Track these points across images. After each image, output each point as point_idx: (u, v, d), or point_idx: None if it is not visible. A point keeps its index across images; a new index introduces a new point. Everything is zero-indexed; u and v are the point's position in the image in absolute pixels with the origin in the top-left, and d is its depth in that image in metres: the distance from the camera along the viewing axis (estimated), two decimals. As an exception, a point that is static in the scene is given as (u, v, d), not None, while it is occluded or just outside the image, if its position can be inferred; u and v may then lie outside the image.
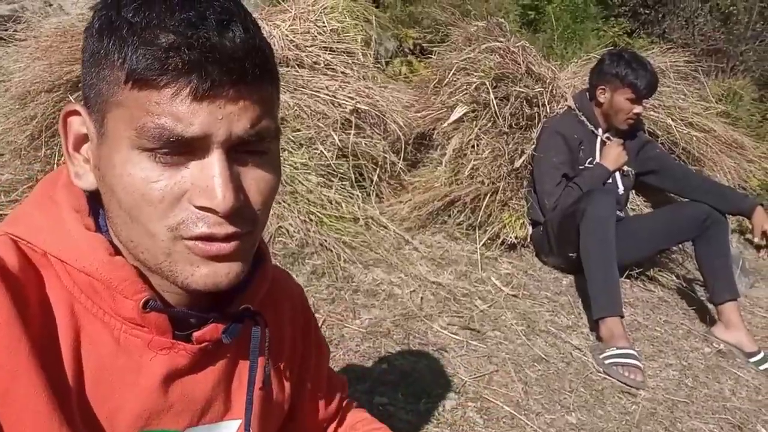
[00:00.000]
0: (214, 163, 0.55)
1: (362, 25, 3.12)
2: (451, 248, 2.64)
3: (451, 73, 2.87)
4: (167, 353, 0.63)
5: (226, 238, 0.57)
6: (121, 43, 0.53)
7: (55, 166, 2.23)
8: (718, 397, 2.07)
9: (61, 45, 2.27)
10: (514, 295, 2.42)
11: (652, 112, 2.96)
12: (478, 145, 2.69)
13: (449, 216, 2.72)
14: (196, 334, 0.64)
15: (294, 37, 2.69)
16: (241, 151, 0.57)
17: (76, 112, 0.60)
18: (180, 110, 0.53)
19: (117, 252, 0.61)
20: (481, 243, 2.62)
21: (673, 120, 2.90)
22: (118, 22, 0.54)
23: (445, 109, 2.84)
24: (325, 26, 2.74)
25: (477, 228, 2.65)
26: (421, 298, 2.26)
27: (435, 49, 3.27)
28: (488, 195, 2.63)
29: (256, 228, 0.61)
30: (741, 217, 2.88)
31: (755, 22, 7.23)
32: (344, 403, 0.98)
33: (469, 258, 2.58)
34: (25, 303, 0.54)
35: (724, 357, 2.31)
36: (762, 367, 2.30)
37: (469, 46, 2.97)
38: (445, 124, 2.78)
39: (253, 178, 0.59)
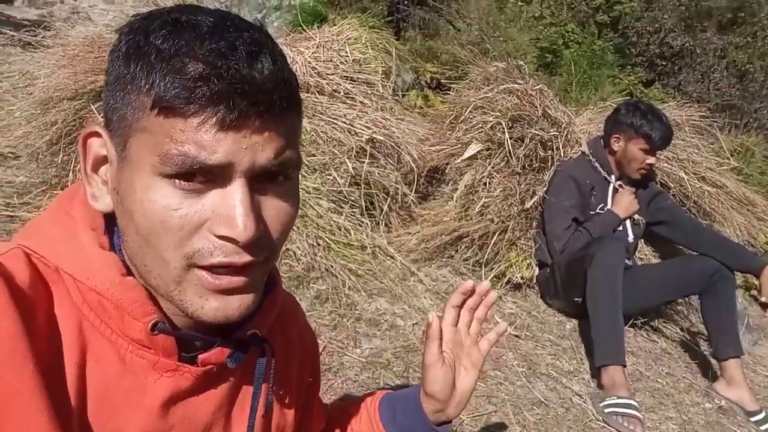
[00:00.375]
0: (237, 192, 0.55)
1: (382, 57, 3.17)
2: (456, 283, 2.63)
3: (468, 111, 2.90)
4: (172, 375, 0.62)
5: (242, 268, 0.57)
6: (149, 70, 0.53)
7: (71, 173, 2.25)
8: (718, 456, 2.04)
9: (88, 55, 2.31)
10: (516, 336, 2.40)
11: (665, 164, 2.98)
12: (490, 183, 2.70)
13: (456, 251, 2.71)
14: (201, 357, 0.64)
15: (316, 64, 2.73)
16: (262, 181, 0.57)
17: (96, 134, 0.60)
18: (205, 139, 0.53)
19: (129, 273, 0.61)
20: (487, 280, 2.61)
21: (686, 173, 2.91)
22: (147, 47, 0.54)
23: (460, 146, 2.86)
24: (348, 56, 2.78)
25: (483, 265, 2.65)
26: (423, 331, 2.25)
27: (453, 85, 3.30)
28: (497, 233, 2.63)
29: (272, 256, 0.61)
30: (746, 273, 2.86)
31: (770, 80, 7.30)
32: None
33: (473, 295, 2.57)
34: (32, 319, 0.54)
35: (724, 414, 2.28)
36: (763, 428, 2.26)
37: (488, 85, 3.01)
38: (459, 160, 2.79)
39: (273, 208, 0.59)
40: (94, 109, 2.26)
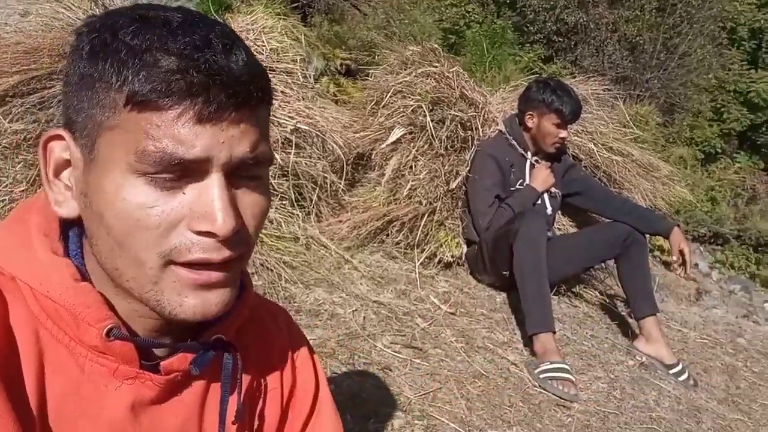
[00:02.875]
0: (214, 186, 0.55)
1: (291, 43, 3.14)
2: (390, 267, 2.69)
3: (388, 96, 2.94)
4: (133, 383, 0.61)
5: (221, 264, 0.56)
6: (120, 66, 0.52)
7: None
8: (644, 408, 2.21)
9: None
10: (452, 313, 2.49)
11: (575, 137, 3.14)
12: (415, 166, 2.76)
13: (387, 235, 2.76)
14: (163, 364, 0.62)
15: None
16: (237, 176, 0.57)
17: (58, 137, 0.58)
18: (182, 133, 0.52)
19: (84, 278, 0.60)
20: (419, 262, 2.68)
21: (594, 144, 3.09)
22: (115, 44, 0.53)
23: (383, 131, 2.90)
24: (265, 45, 2.74)
25: (415, 247, 2.71)
26: (364, 317, 2.29)
27: (370, 70, 3.33)
28: (425, 215, 2.70)
29: (248, 252, 0.61)
30: (656, 236, 3.08)
31: (659, 51, 7.78)
32: None
33: (407, 277, 2.64)
34: None
35: (646, 369, 2.47)
36: (681, 378, 2.47)
37: (405, 69, 3.05)
38: (384, 145, 2.83)
39: (249, 202, 0.59)
40: (-1, 115, 2.12)
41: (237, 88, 0.53)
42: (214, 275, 0.57)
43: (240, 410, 0.69)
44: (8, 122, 2.16)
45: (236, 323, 0.69)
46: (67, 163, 0.59)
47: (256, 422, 0.76)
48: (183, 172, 0.54)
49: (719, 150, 8.86)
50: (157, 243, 0.54)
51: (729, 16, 9.26)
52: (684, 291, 4.46)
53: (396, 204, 2.73)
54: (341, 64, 6.55)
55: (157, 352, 0.65)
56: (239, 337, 0.71)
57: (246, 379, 0.72)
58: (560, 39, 8.39)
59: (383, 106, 2.95)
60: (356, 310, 2.32)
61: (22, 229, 0.61)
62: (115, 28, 0.54)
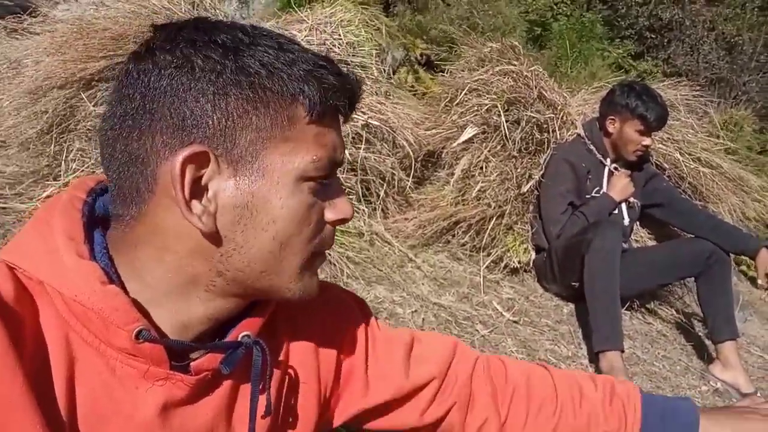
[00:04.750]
0: (339, 182, 0.67)
1: (373, 35, 3.11)
2: (453, 269, 2.63)
3: (463, 93, 2.87)
4: (164, 384, 0.61)
5: None
6: (296, 82, 0.59)
7: (63, 162, 2.21)
8: (717, 439, 2.07)
9: (76, 42, 2.25)
10: (515, 321, 2.42)
11: (660, 145, 2.97)
12: (486, 167, 2.69)
13: (453, 236, 2.71)
14: (193, 365, 0.63)
15: (309, 47, 2.68)
16: None
17: (204, 155, 0.58)
18: (336, 141, 0.63)
19: (111, 281, 0.60)
20: (485, 266, 2.62)
21: (681, 154, 2.91)
22: (278, 63, 0.60)
23: (455, 129, 2.83)
24: (342, 39, 2.73)
25: (481, 250, 2.65)
26: (423, 319, 2.25)
27: (447, 66, 3.26)
28: (493, 218, 2.62)
29: None
30: (742, 256, 2.89)
31: (759, 53, 7.31)
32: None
33: (471, 280, 2.58)
34: (19, 333, 0.53)
35: (720, 397, 2.31)
36: (758, 409, 2.30)
37: (482, 66, 2.97)
38: (455, 144, 2.77)
39: None
40: (84, 98, 2.21)
41: (354, 102, 0.65)
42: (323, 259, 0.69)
43: (269, 405, 0.69)
44: (93, 105, 2.25)
45: (263, 317, 0.70)
46: (204, 186, 0.59)
47: (291, 416, 0.76)
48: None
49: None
50: (313, 237, 0.64)
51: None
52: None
53: (464, 205, 2.67)
54: (421, 55, 6.50)
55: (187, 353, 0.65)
56: (273, 327, 0.72)
57: (277, 373, 0.73)
58: (653, 35, 8.03)
59: (457, 104, 2.88)
60: (416, 311, 2.28)
61: (47, 232, 0.61)
62: (255, 47, 0.60)
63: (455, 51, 3.46)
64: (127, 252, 0.63)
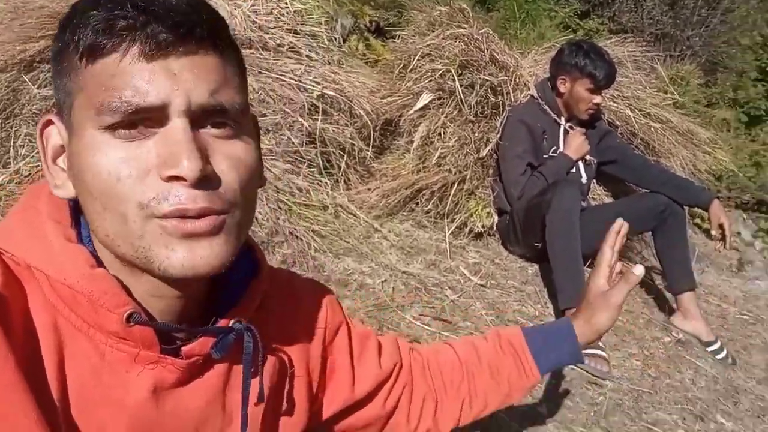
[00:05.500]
0: (177, 129, 0.54)
1: (319, 1, 3.04)
2: (419, 237, 2.64)
3: (415, 59, 2.84)
4: (154, 367, 0.60)
5: (199, 215, 0.55)
6: (74, 29, 0.54)
7: (11, 149, 2.11)
8: (680, 387, 2.15)
9: (12, 22, 2.13)
10: (482, 285, 2.44)
11: (611, 103, 3.02)
12: (444, 133, 2.68)
13: (417, 204, 2.71)
14: (184, 349, 0.62)
15: (256, 17, 2.59)
16: (206, 125, 0.57)
17: (50, 122, 0.60)
18: (134, 78, 0.53)
19: (100, 264, 0.59)
20: (449, 232, 2.63)
21: (631, 110, 2.96)
22: (72, 13, 0.55)
23: (411, 96, 2.81)
24: (288, 7, 2.65)
25: (445, 216, 2.65)
26: (393, 288, 2.26)
27: (398, 32, 3.22)
28: (455, 183, 2.63)
29: (235, 210, 0.58)
30: (695, 208, 2.97)
31: (701, 7, 7.43)
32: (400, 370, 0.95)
33: (437, 247, 2.59)
34: (8, 318, 0.52)
35: (683, 346, 2.40)
36: (719, 357, 2.40)
37: (433, 31, 2.94)
38: (412, 111, 2.75)
39: (223, 153, 0.57)
40: (27, 80, 2.10)
41: (176, 19, 0.53)
42: (200, 224, 0.55)
43: (262, 391, 0.69)
44: (37, 88, 2.14)
45: (254, 304, 0.69)
46: (62, 148, 0.60)
47: (285, 404, 0.76)
48: (145, 120, 0.54)
49: (764, 112, 8.51)
50: (132, 193, 0.54)
51: (776, -31, 8.79)
52: (725, 261, 4.33)
53: (425, 172, 2.66)
54: (370, 22, 6.40)
55: (178, 336, 0.64)
56: (262, 316, 0.71)
57: (269, 360, 0.72)
58: (598, -7, 8.08)
59: (411, 70, 2.85)
60: (385, 280, 2.28)
61: (34, 216, 0.61)
62: (76, 2, 0.56)
63: (404, 16, 3.42)
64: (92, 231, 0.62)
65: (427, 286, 2.33)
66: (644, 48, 3.29)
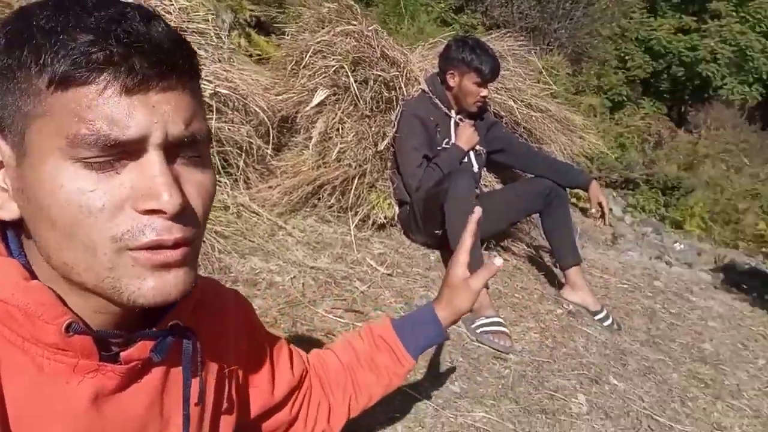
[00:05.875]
0: (154, 162, 0.54)
1: (201, 1, 2.97)
2: (324, 231, 2.67)
3: (308, 56, 2.86)
4: (94, 376, 0.61)
5: (175, 245, 0.56)
6: (38, 50, 0.51)
7: None
8: (575, 355, 2.33)
9: None
10: (389, 274, 2.51)
11: (495, 95, 3.19)
12: (342, 129, 2.72)
13: (319, 199, 2.73)
14: (123, 354, 0.63)
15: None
16: (175, 154, 0.57)
17: None
18: (113, 111, 0.51)
19: (34, 277, 0.59)
20: (353, 225, 2.68)
21: (514, 102, 3.15)
22: (30, 31, 0.52)
23: (306, 92, 2.82)
24: (173, 4, 2.58)
25: (348, 210, 2.70)
26: (303, 284, 2.27)
27: (285, 28, 3.22)
28: (356, 177, 2.68)
29: (198, 236, 0.61)
30: (576, 189, 3.20)
31: (565, 1, 7.97)
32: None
33: (342, 240, 2.63)
34: None
35: (574, 317, 2.60)
36: (605, 324, 2.62)
37: (322, 27, 2.97)
38: (308, 108, 2.77)
39: (191, 182, 0.59)
40: None
41: (160, 56, 0.53)
42: (173, 254, 0.56)
43: (203, 391, 0.71)
44: None
45: (189, 307, 0.70)
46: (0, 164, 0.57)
47: (225, 404, 0.79)
48: (120, 153, 0.53)
49: (625, 97, 9.27)
50: (105, 227, 0.54)
51: (628, -35, 9.59)
52: (601, 236, 4.69)
53: (326, 167, 2.69)
54: (251, 17, 6.28)
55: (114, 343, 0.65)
56: (195, 321, 0.72)
57: (206, 363, 0.74)
58: (470, -12, 8.43)
59: (304, 67, 2.87)
60: (294, 277, 2.29)
61: None
62: (29, 16, 0.53)
63: (291, 11, 3.41)
64: (29, 245, 0.61)
65: (336, 279, 2.37)
66: (522, 42, 3.50)
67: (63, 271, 0.57)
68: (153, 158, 0.54)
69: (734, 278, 4.67)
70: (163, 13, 2.58)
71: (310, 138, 2.72)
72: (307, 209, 2.70)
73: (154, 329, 0.65)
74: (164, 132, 0.54)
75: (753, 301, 3.64)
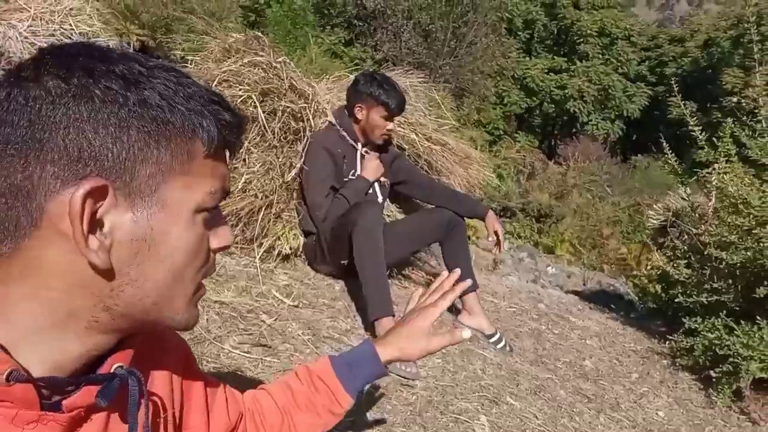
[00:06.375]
0: (220, 209, 0.67)
1: (102, 27, 2.87)
2: (227, 264, 2.62)
3: (214, 84, 2.82)
4: (35, 427, 0.59)
5: None
6: (194, 117, 0.61)
7: None
8: (474, 378, 2.44)
9: None
10: (295, 306, 2.51)
11: (399, 128, 3.30)
12: (249, 159, 2.71)
13: (222, 230, 2.68)
14: (65, 402, 0.61)
15: (35, 39, 2.38)
16: None
17: (97, 191, 0.57)
18: (226, 172, 0.66)
19: None
20: (258, 256, 2.66)
21: (416, 135, 3.28)
22: (174, 97, 0.60)
23: (211, 122, 2.78)
24: (73, 29, 2.47)
25: (253, 241, 2.67)
26: (207, 319, 2.22)
27: (190, 57, 3.16)
28: (263, 208, 2.67)
29: None
30: (474, 218, 3.37)
31: (450, 39, 8.40)
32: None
33: (247, 272, 2.60)
34: None
35: (470, 341, 2.72)
36: (499, 346, 2.77)
37: (229, 57, 2.95)
38: (213, 138, 2.72)
39: None
40: None
41: (243, 140, 0.70)
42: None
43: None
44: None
45: (131, 351, 0.70)
46: (101, 221, 0.59)
47: None
48: None
49: (502, 131, 9.87)
50: (202, 266, 0.66)
51: (506, 8, 10.28)
52: (484, 262, 4.94)
53: (231, 198, 2.65)
54: (137, 41, 6.10)
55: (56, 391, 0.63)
56: (135, 364, 0.71)
57: (150, 405, 0.73)
58: (360, 23, 8.68)
59: (209, 96, 2.82)
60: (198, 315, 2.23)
61: None
62: (154, 79, 0.60)
63: (195, 40, 3.37)
64: None
65: (242, 313, 2.33)
66: (422, 78, 3.67)
67: (147, 310, 0.63)
68: (220, 208, 0.68)
69: (604, 299, 5.09)
70: (60, 38, 2.47)
71: (215, 168, 2.68)
72: (211, 241, 2.64)
73: (99, 373, 0.64)
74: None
75: (623, 320, 3.98)
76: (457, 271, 1.19)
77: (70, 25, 2.49)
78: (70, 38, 2.46)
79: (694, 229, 3.56)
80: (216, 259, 0.69)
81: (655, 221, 4.82)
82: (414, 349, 1.10)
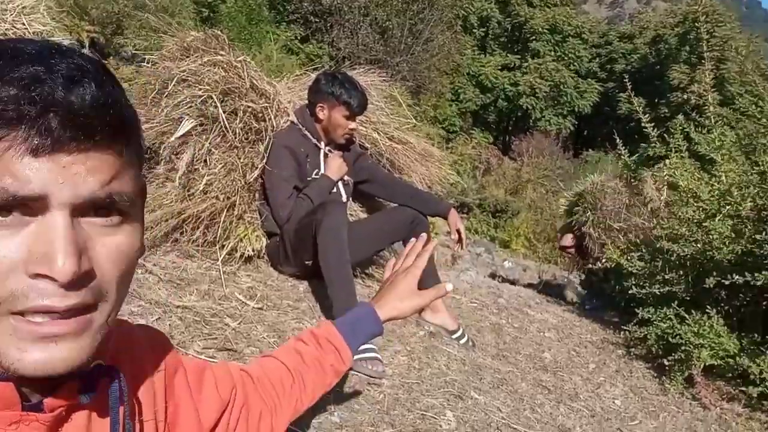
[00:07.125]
0: (54, 225, 0.52)
1: (57, 26, 2.79)
2: (188, 267, 2.58)
3: (172, 84, 2.77)
4: (17, 427, 0.58)
5: (66, 312, 0.53)
6: None
7: None
8: (439, 374, 2.48)
9: None
10: (259, 308, 2.50)
11: (361, 127, 3.31)
12: (210, 160, 2.67)
13: (182, 234, 2.65)
14: (46, 401, 0.60)
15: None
16: (90, 216, 0.56)
17: None
18: (17, 167, 0.50)
19: None
20: (221, 258, 2.63)
21: (378, 134, 3.29)
22: None
23: (170, 122, 2.73)
24: (27, 28, 2.40)
25: (215, 243, 2.64)
26: (170, 324, 2.18)
27: (147, 56, 3.10)
28: (224, 210, 2.64)
29: (105, 304, 0.58)
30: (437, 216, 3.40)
31: (406, 36, 8.43)
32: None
33: (209, 276, 2.57)
34: None
35: (435, 337, 2.76)
36: (462, 342, 2.81)
37: (188, 56, 2.90)
38: (173, 138, 2.68)
39: (105, 245, 0.57)
40: None
41: (77, 122, 0.52)
42: (59, 326, 0.54)
43: (130, 430, 0.70)
44: None
45: (112, 347, 0.69)
46: None
47: None
48: (23, 210, 0.52)
49: (458, 128, 9.97)
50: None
51: (462, 5, 10.37)
52: (442, 257, 4.99)
53: (190, 200, 2.62)
54: (88, 37, 5.97)
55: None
56: (115, 361, 0.70)
57: (130, 403, 0.73)
58: (317, 20, 8.62)
59: (167, 96, 2.78)
60: (159, 318, 2.19)
61: None
62: None
63: (153, 39, 3.29)
64: None
65: (205, 317, 2.30)
66: (384, 78, 3.68)
67: None
68: (55, 220, 0.52)
69: (557, 292, 5.22)
70: (15, 37, 2.39)
71: (174, 170, 2.64)
72: (167, 244, 2.60)
73: (78, 372, 0.62)
74: (72, 192, 0.53)
75: (579, 312, 4.09)
76: (424, 235, 1.26)
77: (23, 24, 2.41)
78: (23, 36, 2.39)
79: (645, 223, 3.69)
80: (47, 288, 0.52)
81: (564, 206, 5.08)
82: (407, 306, 1.18)
